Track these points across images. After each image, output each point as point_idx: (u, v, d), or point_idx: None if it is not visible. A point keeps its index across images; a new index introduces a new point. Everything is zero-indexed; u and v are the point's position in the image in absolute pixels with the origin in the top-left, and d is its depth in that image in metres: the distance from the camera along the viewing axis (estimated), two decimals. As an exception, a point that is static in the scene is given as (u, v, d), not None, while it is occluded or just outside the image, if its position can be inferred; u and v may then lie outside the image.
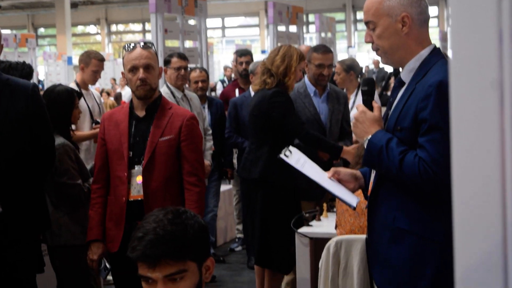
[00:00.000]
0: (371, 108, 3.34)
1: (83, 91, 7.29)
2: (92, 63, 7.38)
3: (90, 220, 4.76)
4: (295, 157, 3.60)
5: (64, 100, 5.34)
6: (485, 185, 1.23)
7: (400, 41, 3.24)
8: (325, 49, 6.76)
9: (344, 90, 7.50)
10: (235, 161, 8.57)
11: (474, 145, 1.25)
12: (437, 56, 3.25)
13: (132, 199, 4.63)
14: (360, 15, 37.47)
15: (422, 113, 3.09)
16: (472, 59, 1.22)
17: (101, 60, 7.49)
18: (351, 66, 7.67)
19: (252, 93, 7.93)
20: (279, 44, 11.26)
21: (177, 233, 2.47)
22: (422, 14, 3.25)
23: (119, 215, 4.65)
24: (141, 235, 2.47)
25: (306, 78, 6.70)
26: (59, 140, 5.16)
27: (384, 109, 3.49)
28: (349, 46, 34.03)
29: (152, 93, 4.65)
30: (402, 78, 3.31)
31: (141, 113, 4.71)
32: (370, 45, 3.37)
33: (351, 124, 3.40)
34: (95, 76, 7.46)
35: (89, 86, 7.59)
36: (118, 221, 4.66)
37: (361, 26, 37.99)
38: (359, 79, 7.89)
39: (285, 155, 3.60)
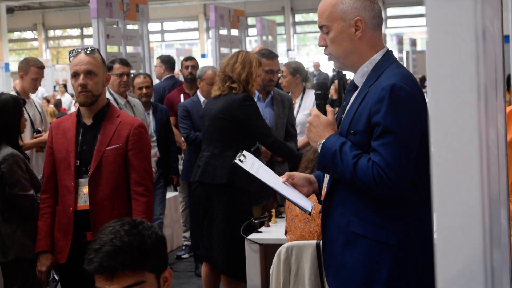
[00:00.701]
0: (324, 112, 3.33)
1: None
2: (32, 70, 7.22)
3: (38, 231, 4.67)
4: (250, 162, 3.58)
5: (11, 109, 5.21)
6: (465, 197, 1.20)
7: (354, 45, 3.22)
8: (273, 55, 6.80)
9: (289, 94, 7.48)
10: (181, 167, 8.49)
11: (453, 153, 1.22)
12: (390, 60, 3.25)
13: (79, 209, 4.54)
14: (298, 17, 37.70)
15: (375, 116, 3.09)
16: (450, 68, 1.19)
17: (41, 67, 7.34)
18: (297, 69, 7.65)
19: (202, 98, 7.90)
20: (221, 49, 11.32)
21: (135, 243, 2.43)
22: (375, 18, 3.25)
23: (67, 225, 4.56)
24: (98, 247, 2.42)
25: None
26: (7, 150, 5.04)
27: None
28: (289, 49, 34.16)
29: (93, 99, 4.55)
30: (355, 81, 3.30)
31: (88, 121, 4.63)
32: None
33: (306, 128, 3.37)
34: (35, 83, 7.32)
35: (30, 94, 7.44)
36: (66, 231, 4.57)
37: (300, 28, 38.21)
38: (304, 84, 7.87)
39: (239, 160, 3.57)
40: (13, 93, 7.14)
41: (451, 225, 1.22)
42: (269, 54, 6.80)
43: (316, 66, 26.64)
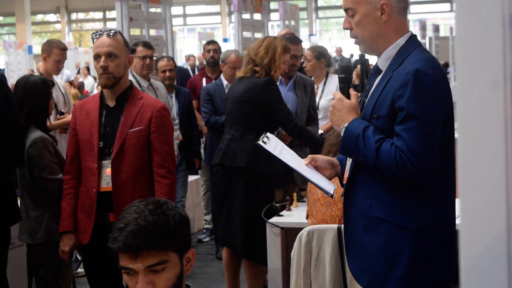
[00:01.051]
0: (348, 95, 3.33)
1: (48, 81, 7.22)
2: (54, 52, 7.26)
3: (62, 211, 4.69)
4: (273, 144, 3.59)
5: (41, 91, 5.21)
6: (490, 181, 1.21)
7: (379, 29, 3.22)
8: (297, 40, 6.76)
9: (312, 78, 7.48)
10: (202, 151, 8.52)
11: (479, 145, 1.23)
12: (414, 44, 3.24)
13: (102, 191, 4.57)
14: (321, 2, 37.56)
15: (399, 101, 3.09)
16: (476, 60, 1.20)
17: (63, 49, 7.37)
18: (322, 54, 7.62)
19: (225, 82, 7.93)
20: (244, 33, 11.31)
21: (159, 223, 2.45)
22: (401, 2, 3.24)
23: (90, 206, 4.59)
24: (123, 226, 2.44)
25: None
26: (36, 134, 5.06)
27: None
28: (311, 34, 34.09)
29: (115, 82, 4.56)
30: (379, 66, 3.30)
31: (111, 103, 4.64)
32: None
33: (329, 111, 3.37)
34: (58, 65, 7.35)
35: (53, 76, 7.49)
36: (89, 212, 4.60)
37: (323, 13, 38.09)
38: (327, 68, 7.85)
39: (263, 141, 3.58)
40: (37, 74, 7.17)
41: (474, 208, 1.23)
42: (293, 38, 6.76)
43: (338, 51, 26.60)
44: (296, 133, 6.16)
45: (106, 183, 4.57)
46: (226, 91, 7.78)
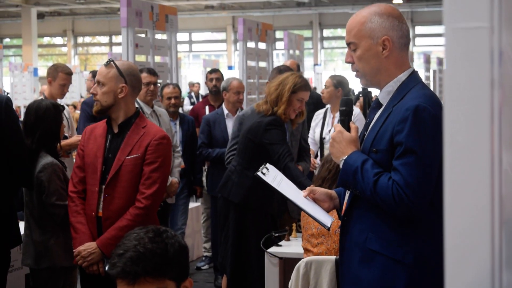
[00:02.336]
0: (348, 128, 3.36)
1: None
2: (60, 76, 7.32)
3: (77, 228, 4.68)
4: (272, 175, 3.62)
5: (52, 116, 5.24)
6: (475, 218, 1.25)
7: (380, 64, 3.26)
8: (308, 87, 6.54)
9: (327, 106, 7.54)
10: (204, 179, 8.56)
11: (465, 175, 1.27)
12: (415, 80, 3.28)
13: (99, 215, 4.63)
14: (326, 32, 37.71)
15: (398, 136, 3.12)
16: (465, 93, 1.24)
17: (69, 73, 7.44)
18: (341, 83, 7.65)
19: (226, 111, 8.01)
20: (248, 62, 11.38)
21: (158, 251, 2.48)
22: (403, 38, 3.28)
23: (92, 229, 4.64)
24: (122, 252, 2.47)
25: None
26: (47, 159, 5.09)
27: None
28: (315, 64, 34.17)
29: (101, 109, 4.65)
30: (380, 100, 3.34)
31: (115, 129, 4.71)
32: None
33: (329, 143, 3.42)
34: (63, 89, 7.42)
35: (58, 100, 7.55)
36: (94, 234, 4.67)
37: (328, 43, 38.23)
38: None
39: (262, 172, 3.61)
40: (41, 97, 7.24)
41: (460, 245, 1.26)
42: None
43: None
44: (283, 173, 6.13)
45: (101, 208, 4.62)
46: (227, 120, 7.89)
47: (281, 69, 6.67)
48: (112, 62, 4.67)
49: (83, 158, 4.74)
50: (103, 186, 4.61)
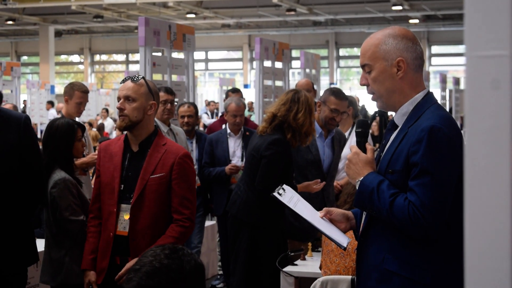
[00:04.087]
0: (364, 149, 3.37)
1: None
2: (76, 95, 7.37)
3: (84, 249, 4.79)
4: (288, 196, 3.62)
5: (63, 134, 5.28)
6: (496, 241, 1.26)
7: (395, 85, 3.27)
8: (343, 96, 6.69)
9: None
10: None
11: (486, 196, 1.28)
12: (430, 101, 3.29)
13: (118, 234, 4.63)
14: (342, 52, 37.79)
15: (413, 157, 3.13)
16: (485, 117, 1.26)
17: (85, 92, 7.49)
18: (351, 102, 7.69)
19: (228, 130, 8.11)
20: (264, 81, 11.43)
21: (173, 266, 2.50)
22: (417, 59, 3.29)
23: (106, 248, 4.66)
24: (138, 267, 2.50)
25: None
26: (60, 174, 5.13)
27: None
28: (331, 83, 34.24)
29: (129, 125, 4.62)
30: (395, 121, 3.34)
31: (135, 147, 4.71)
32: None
33: (345, 164, 3.43)
34: (79, 108, 7.46)
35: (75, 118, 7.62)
36: (104, 254, 4.67)
37: (344, 63, 38.30)
38: (353, 119, 7.88)
39: (278, 193, 3.62)
40: (58, 116, 7.32)
41: (480, 268, 1.27)
42: (339, 93, 6.69)
43: (356, 100, 26.65)
44: (258, 194, 6.19)
45: (123, 227, 4.61)
46: (229, 140, 7.99)
47: (334, 90, 6.71)
48: (143, 79, 4.69)
49: (99, 177, 4.77)
50: (122, 205, 4.61)
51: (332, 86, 30.90)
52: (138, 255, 4.47)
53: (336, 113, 6.55)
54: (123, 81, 4.71)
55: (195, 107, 8.43)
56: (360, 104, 26.14)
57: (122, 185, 4.65)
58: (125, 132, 4.77)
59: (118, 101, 4.67)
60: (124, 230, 4.61)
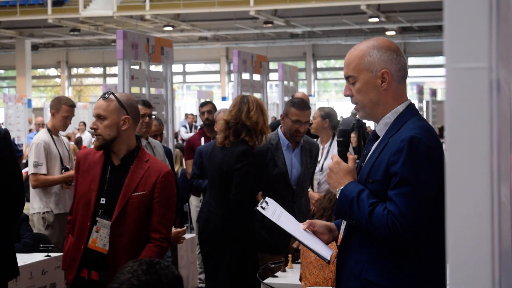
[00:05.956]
0: (345, 159, 3.39)
1: (54, 137, 7.40)
2: (63, 109, 7.45)
3: (64, 250, 4.80)
4: (272, 209, 3.62)
5: None
6: (476, 250, 1.28)
7: (379, 97, 3.29)
8: (304, 105, 6.66)
9: (318, 140, 7.60)
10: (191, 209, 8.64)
11: (466, 207, 1.30)
12: (412, 112, 3.31)
13: (94, 249, 4.59)
14: (320, 63, 37.89)
15: (393, 166, 3.15)
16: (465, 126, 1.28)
17: (72, 106, 7.56)
18: (328, 114, 7.74)
19: None
20: (243, 93, 11.45)
21: (152, 282, 2.50)
22: (401, 71, 3.32)
23: (73, 260, 4.63)
24: (116, 286, 2.50)
25: (280, 130, 6.67)
26: None
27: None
28: (309, 95, 34.29)
29: (104, 143, 4.57)
30: (377, 131, 3.37)
31: (116, 161, 4.66)
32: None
33: (326, 173, 3.45)
34: (66, 121, 7.53)
35: (60, 132, 7.66)
36: (71, 266, 4.65)
37: (321, 74, 38.40)
38: (333, 131, 7.92)
39: (261, 207, 3.62)
40: (44, 130, 7.42)
41: (463, 277, 1.29)
42: (299, 104, 6.67)
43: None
44: (233, 205, 6.27)
45: (102, 244, 4.57)
46: None
47: (294, 102, 6.70)
48: (112, 95, 4.62)
49: (77, 186, 4.72)
50: (104, 221, 4.55)
51: (310, 97, 30.97)
52: (115, 272, 4.48)
53: (298, 124, 6.54)
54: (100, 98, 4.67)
55: (161, 123, 8.48)
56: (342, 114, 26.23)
57: (104, 199, 4.59)
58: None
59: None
60: (104, 247, 4.56)
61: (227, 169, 6.19)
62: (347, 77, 3.37)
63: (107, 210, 4.58)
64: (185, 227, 7.25)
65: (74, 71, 41.36)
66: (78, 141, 20.07)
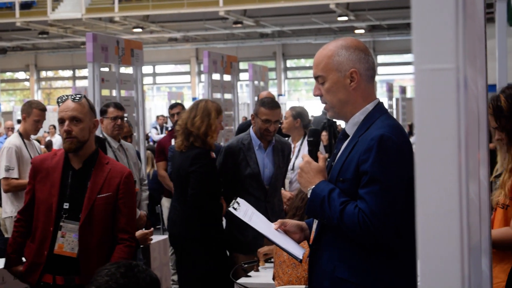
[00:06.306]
0: (316, 158, 3.41)
1: (26, 141, 7.35)
2: (34, 113, 7.41)
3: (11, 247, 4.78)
4: (243, 209, 3.64)
5: None
6: (446, 246, 1.31)
7: (348, 96, 3.32)
8: (273, 105, 6.68)
9: (289, 139, 7.63)
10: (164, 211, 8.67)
11: (435, 204, 1.33)
12: (381, 111, 3.34)
13: (64, 255, 4.56)
14: (290, 63, 37.95)
15: (363, 165, 3.17)
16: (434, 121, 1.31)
17: (43, 110, 7.53)
18: (299, 114, 7.78)
19: None
20: (213, 94, 11.46)
21: (130, 284, 2.50)
22: (370, 70, 3.35)
23: (35, 267, 4.60)
24: None
25: (251, 130, 6.69)
26: None
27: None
28: (280, 94, 34.34)
29: (79, 146, 4.56)
30: (347, 131, 3.39)
31: (77, 165, 4.64)
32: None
33: (297, 173, 3.47)
34: (37, 125, 7.50)
35: (32, 136, 7.63)
36: (33, 271, 4.62)
37: (291, 74, 38.46)
38: (305, 130, 7.96)
39: (233, 208, 3.63)
40: (15, 134, 7.41)
41: (433, 272, 1.32)
42: (269, 103, 6.68)
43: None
44: (189, 205, 6.42)
45: (70, 248, 4.55)
46: None
47: (264, 101, 6.71)
48: (84, 97, 4.63)
49: (31, 191, 4.67)
50: (69, 225, 4.53)
51: (280, 97, 30.98)
52: (87, 275, 4.43)
53: (268, 124, 6.57)
54: (61, 101, 4.61)
55: (130, 124, 8.49)
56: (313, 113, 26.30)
57: (67, 204, 4.57)
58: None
59: (61, 123, 4.57)
60: (72, 251, 4.54)
61: (184, 173, 6.38)
62: (316, 77, 3.39)
63: (72, 215, 4.57)
64: (152, 229, 7.27)
65: (43, 74, 41.09)
66: (49, 144, 19.94)
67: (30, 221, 4.67)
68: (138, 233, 5.24)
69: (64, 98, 4.61)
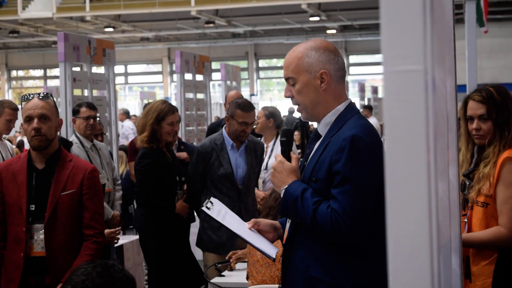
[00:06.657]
0: (289, 158, 3.43)
1: (-3, 141, 7.31)
2: (6, 112, 7.35)
3: None
4: (216, 209, 3.65)
5: None
6: (415, 245, 1.33)
7: (319, 97, 3.34)
8: (249, 107, 6.70)
9: (262, 139, 7.65)
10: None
11: (404, 202, 1.36)
12: (352, 111, 3.37)
13: (35, 255, 4.53)
14: (262, 63, 37.98)
15: (335, 165, 3.20)
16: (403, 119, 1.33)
17: (15, 109, 7.47)
18: (272, 114, 7.82)
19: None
20: (186, 93, 11.47)
21: (106, 284, 2.51)
22: (340, 71, 3.37)
23: (14, 271, 4.55)
24: None
25: (224, 131, 6.69)
26: None
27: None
28: (252, 94, 34.37)
29: (47, 144, 4.55)
30: (319, 131, 3.41)
31: (40, 165, 4.62)
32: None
33: (270, 173, 3.48)
34: (9, 125, 7.45)
35: (3, 136, 7.57)
36: (12, 278, 4.55)
37: (264, 74, 38.49)
38: (277, 130, 7.99)
39: (207, 207, 3.64)
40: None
41: (403, 271, 1.34)
42: (244, 106, 6.68)
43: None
44: (136, 200, 6.78)
45: (41, 247, 4.52)
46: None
47: (239, 104, 6.72)
48: (50, 96, 4.63)
49: (1, 198, 4.63)
50: (36, 226, 4.52)
51: (253, 97, 30.98)
52: (56, 273, 4.47)
53: (245, 126, 6.60)
54: (26, 99, 4.59)
55: (101, 124, 8.47)
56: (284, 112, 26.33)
57: (33, 205, 4.55)
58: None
59: (28, 121, 4.55)
60: (42, 250, 4.52)
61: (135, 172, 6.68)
62: (287, 79, 3.41)
63: (38, 215, 4.55)
64: (120, 228, 7.29)
65: (14, 73, 40.83)
66: (20, 144, 19.80)
67: (4, 228, 4.63)
68: (105, 232, 5.25)
69: (30, 96, 4.59)
